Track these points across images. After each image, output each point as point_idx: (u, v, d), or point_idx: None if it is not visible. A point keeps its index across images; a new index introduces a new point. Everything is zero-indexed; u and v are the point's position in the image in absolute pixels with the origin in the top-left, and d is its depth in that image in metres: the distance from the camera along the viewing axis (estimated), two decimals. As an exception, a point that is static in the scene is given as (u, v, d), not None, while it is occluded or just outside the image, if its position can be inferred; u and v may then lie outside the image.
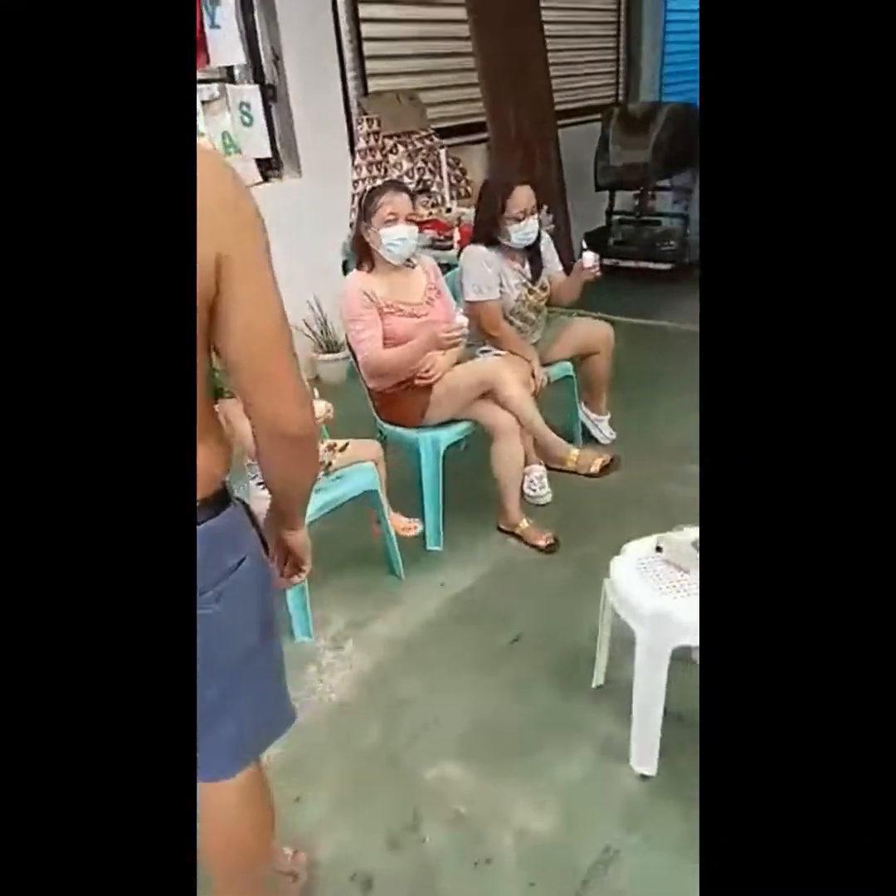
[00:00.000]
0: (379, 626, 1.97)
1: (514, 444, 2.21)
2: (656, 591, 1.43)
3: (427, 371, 2.16)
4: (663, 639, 1.39)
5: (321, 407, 1.95)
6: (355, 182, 3.77)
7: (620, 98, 5.83)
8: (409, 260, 2.24)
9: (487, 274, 2.43)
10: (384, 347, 2.17)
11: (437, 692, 1.74)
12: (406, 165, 3.84)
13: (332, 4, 3.55)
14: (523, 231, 2.41)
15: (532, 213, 2.41)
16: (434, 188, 3.86)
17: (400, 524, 2.25)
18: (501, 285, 2.46)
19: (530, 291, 2.54)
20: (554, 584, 2.09)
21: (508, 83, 3.97)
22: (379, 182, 3.43)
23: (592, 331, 2.68)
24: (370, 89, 3.83)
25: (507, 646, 1.87)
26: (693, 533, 1.51)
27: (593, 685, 1.71)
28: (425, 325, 2.16)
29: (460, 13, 3.89)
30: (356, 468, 2.06)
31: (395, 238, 2.12)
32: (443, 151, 3.78)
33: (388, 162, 3.84)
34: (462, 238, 3.20)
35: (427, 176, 3.86)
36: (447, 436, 2.24)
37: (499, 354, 2.47)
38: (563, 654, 1.81)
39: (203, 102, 3.15)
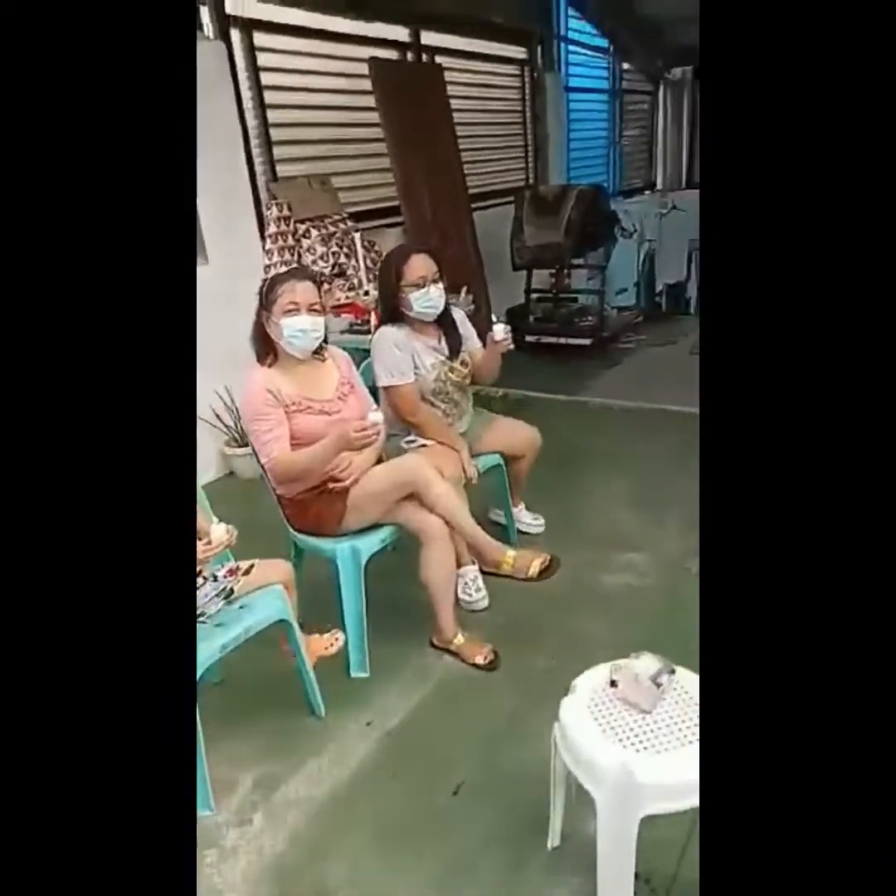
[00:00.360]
0: (294, 786, 1.66)
1: (444, 548, 2.00)
2: (614, 741, 1.21)
3: (341, 472, 1.94)
4: (627, 807, 1.16)
5: (221, 531, 1.70)
6: (267, 267, 3.60)
7: (531, 181, 5.99)
8: (318, 352, 2.06)
9: (397, 356, 2.27)
10: (292, 449, 1.94)
11: (364, 879, 1.44)
12: (320, 250, 3.71)
13: (235, 92, 3.46)
14: (425, 299, 2.26)
15: (434, 282, 2.27)
16: (350, 271, 3.74)
17: (319, 645, 1.97)
18: (417, 367, 2.30)
19: (451, 369, 2.38)
20: (497, 711, 1.84)
21: (423, 171, 3.95)
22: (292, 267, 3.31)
23: (518, 432, 2.55)
24: (279, 174, 3.74)
25: (448, 799, 1.60)
26: (652, 663, 1.31)
27: (549, 846, 1.45)
28: (337, 424, 1.96)
29: (370, 100, 3.89)
30: (264, 593, 1.79)
31: (296, 329, 1.93)
32: (357, 235, 3.68)
33: (301, 247, 3.71)
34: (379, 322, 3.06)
35: (342, 260, 3.75)
36: (368, 545, 2.01)
37: (424, 444, 2.28)
38: (512, 805, 1.55)
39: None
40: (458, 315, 2.47)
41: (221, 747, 1.69)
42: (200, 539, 1.68)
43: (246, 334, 2.51)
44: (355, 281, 3.73)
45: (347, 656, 2.00)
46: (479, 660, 2.01)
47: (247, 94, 3.54)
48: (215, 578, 1.76)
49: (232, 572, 1.79)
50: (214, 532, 1.66)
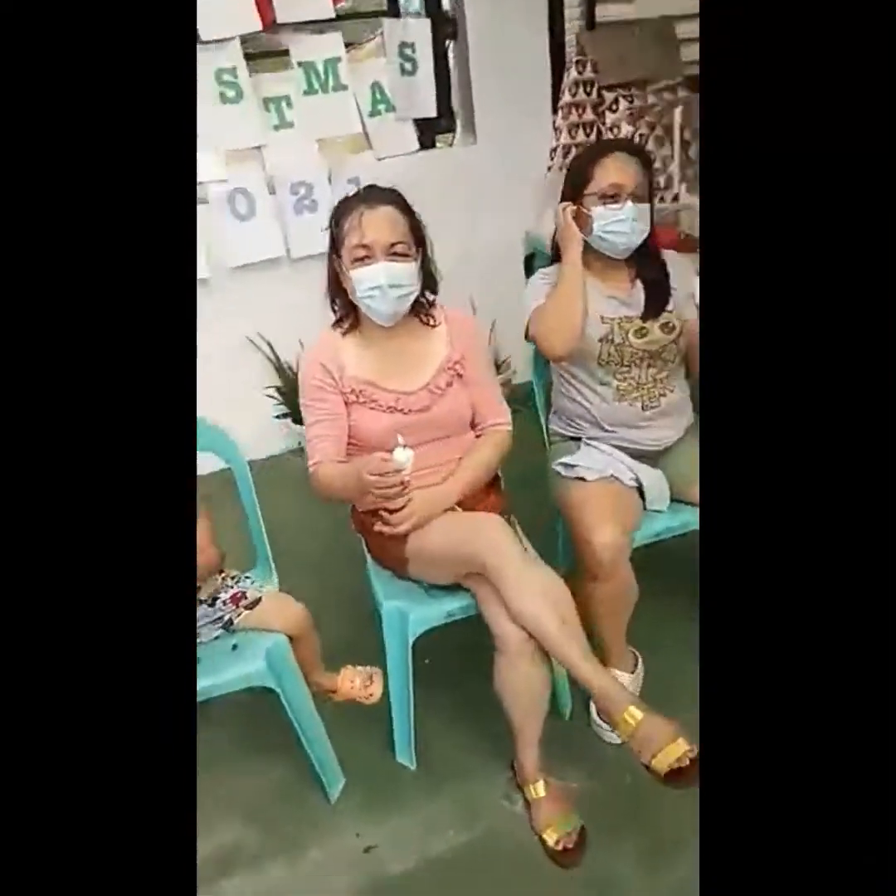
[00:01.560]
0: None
1: (524, 669, 1.28)
2: None
3: (389, 516, 1.31)
4: None
5: (213, 554, 1.29)
6: (552, 150, 2.80)
7: None
8: (425, 313, 1.38)
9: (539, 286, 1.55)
10: (349, 454, 1.37)
11: None
12: (626, 129, 2.73)
13: None
14: (614, 220, 1.45)
15: (635, 198, 1.45)
16: (658, 165, 2.70)
17: (351, 686, 1.49)
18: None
19: (638, 330, 1.53)
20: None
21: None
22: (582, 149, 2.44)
23: None
24: (599, 19, 2.76)
25: None
26: None
27: None
28: (416, 427, 1.32)
29: None
30: (258, 637, 1.35)
31: (367, 286, 1.28)
32: (678, 111, 2.59)
33: (604, 122, 2.78)
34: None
35: (650, 147, 2.71)
36: (424, 616, 1.38)
37: (586, 478, 1.49)
38: None
39: (347, 45, 2.46)
40: (676, 261, 1.59)
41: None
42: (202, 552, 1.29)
43: (516, 233, 1.88)
44: (664, 180, 2.70)
45: (391, 732, 1.49)
46: (551, 840, 1.32)
47: None
48: (213, 602, 1.38)
49: (235, 600, 1.39)
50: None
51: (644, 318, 1.54)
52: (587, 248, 1.52)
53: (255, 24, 2.28)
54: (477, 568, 1.26)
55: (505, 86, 2.65)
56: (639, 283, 1.56)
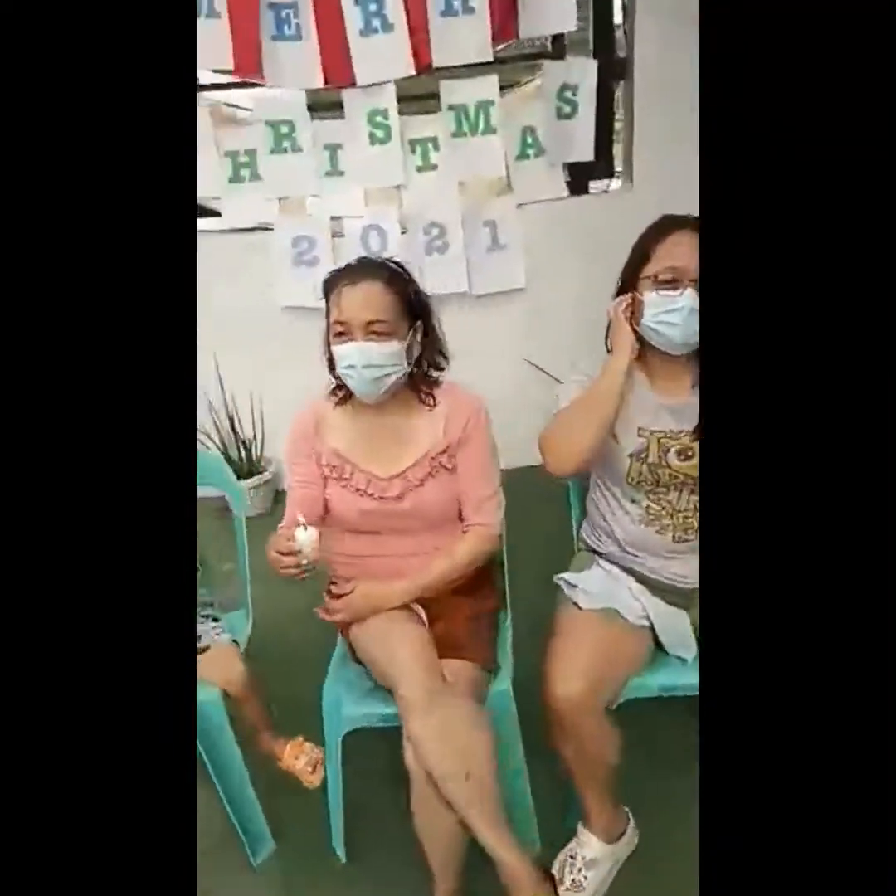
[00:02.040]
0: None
1: (432, 806, 1.13)
2: None
3: (328, 603, 1.24)
4: None
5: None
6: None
7: None
8: (423, 393, 1.29)
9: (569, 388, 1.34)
10: (327, 525, 1.32)
11: None
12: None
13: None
14: (672, 308, 1.21)
15: (693, 284, 1.19)
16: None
17: (294, 763, 1.45)
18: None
19: (681, 450, 1.27)
20: None
21: None
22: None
23: None
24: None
25: None
26: None
27: None
28: (388, 516, 1.24)
29: None
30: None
31: (343, 364, 1.22)
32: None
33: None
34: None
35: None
36: (357, 714, 1.28)
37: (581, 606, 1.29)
38: None
39: (505, 87, 2.40)
40: None
41: None
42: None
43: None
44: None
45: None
46: None
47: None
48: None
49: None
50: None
51: (695, 435, 1.28)
52: (646, 342, 1.30)
53: (410, 69, 2.32)
54: (391, 687, 1.14)
55: (667, 130, 2.40)
56: (697, 392, 1.30)
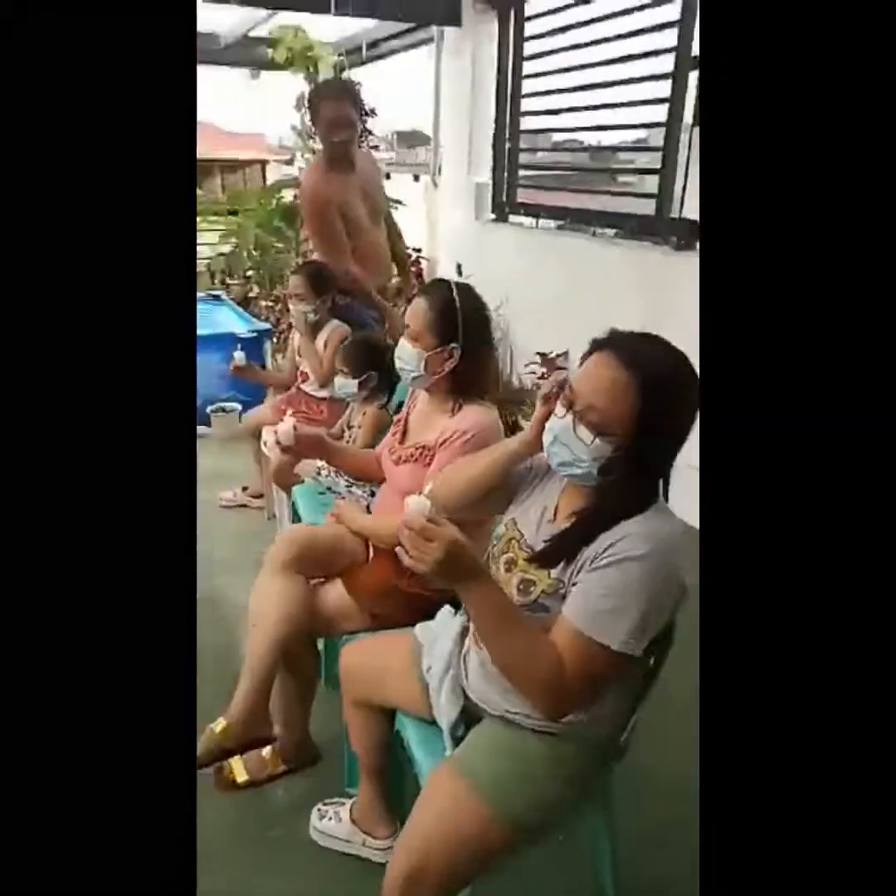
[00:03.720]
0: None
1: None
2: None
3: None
4: None
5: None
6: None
7: None
8: (455, 407, 1.47)
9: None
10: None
11: None
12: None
13: None
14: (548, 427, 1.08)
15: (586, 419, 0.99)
16: None
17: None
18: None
19: (526, 561, 1.10)
20: None
21: None
22: None
23: None
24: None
25: None
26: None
27: None
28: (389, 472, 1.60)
29: None
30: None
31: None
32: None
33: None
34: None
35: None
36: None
37: None
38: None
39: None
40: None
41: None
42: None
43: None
44: None
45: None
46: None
47: None
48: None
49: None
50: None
51: (536, 563, 1.04)
52: None
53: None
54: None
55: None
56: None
